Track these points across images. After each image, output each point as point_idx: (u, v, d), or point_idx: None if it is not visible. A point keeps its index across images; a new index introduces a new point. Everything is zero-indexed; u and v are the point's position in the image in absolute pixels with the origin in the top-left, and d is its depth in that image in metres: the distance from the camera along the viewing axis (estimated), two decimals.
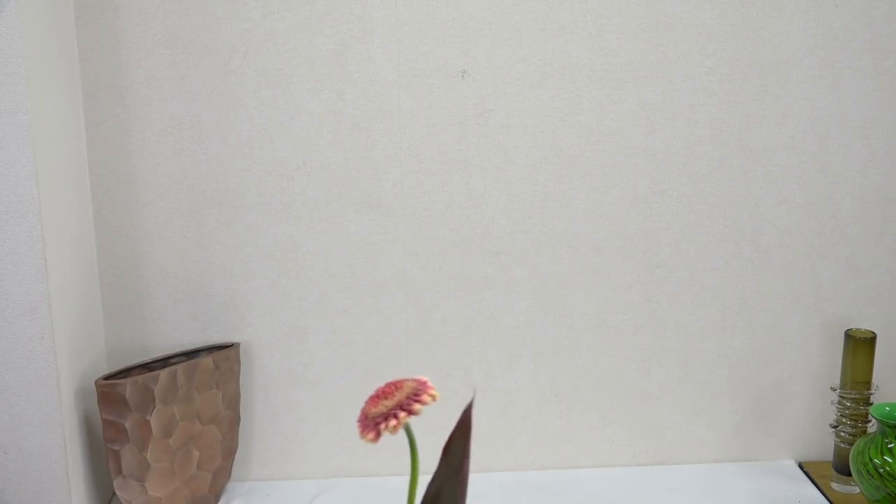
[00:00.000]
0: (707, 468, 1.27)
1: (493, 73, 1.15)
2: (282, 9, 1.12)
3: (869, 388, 1.18)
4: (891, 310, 1.24)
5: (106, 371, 1.19)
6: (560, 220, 1.20)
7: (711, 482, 1.23)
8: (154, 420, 1.07)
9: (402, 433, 0.67)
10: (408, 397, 0.65)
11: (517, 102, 1.16)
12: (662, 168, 1.19)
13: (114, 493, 1.19)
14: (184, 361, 1.14)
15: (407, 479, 1.32)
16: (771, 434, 1.28)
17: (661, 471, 1.27)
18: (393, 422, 0.63)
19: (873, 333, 1.18)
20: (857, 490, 1.18)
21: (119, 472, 1.06)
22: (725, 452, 1.28)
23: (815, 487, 1.21)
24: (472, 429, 0.69)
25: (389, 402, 0.65)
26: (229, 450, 1.19)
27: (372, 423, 0.64)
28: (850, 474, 1.15)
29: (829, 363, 1.25)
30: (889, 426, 1.07)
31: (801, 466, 1.27)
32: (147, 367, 1.12)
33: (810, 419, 1.27)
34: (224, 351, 1.16)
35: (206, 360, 1.13)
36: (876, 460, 1.07)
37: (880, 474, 1.06)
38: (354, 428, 1.25)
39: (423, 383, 0.65)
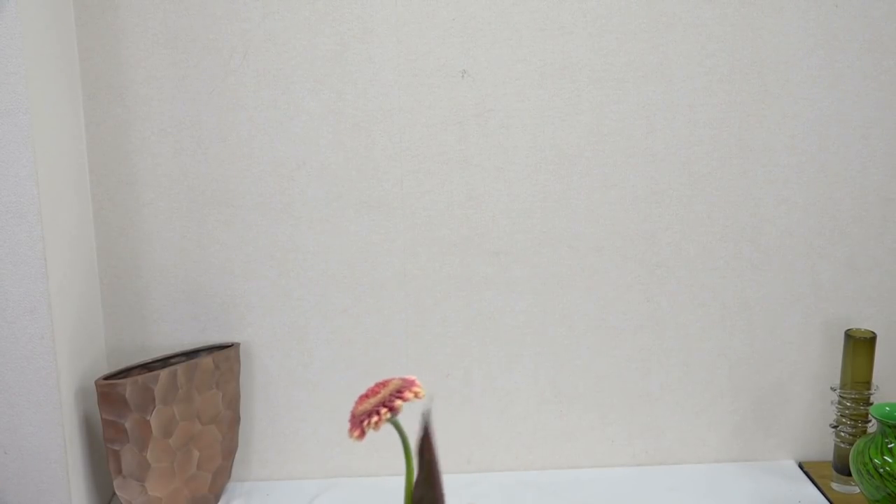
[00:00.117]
0: (707, 468, 1.27)
1: (493, 73, 1.15)
2: (282, 9, 1.12)
3: (869, 388, 1.18)
4: (891, 310, 1.24)
5: (106, 371, 1.19)
6: (560, 220, 1.20)
7: (711, 482, 1.23)
8: (154, 420, 1.07)
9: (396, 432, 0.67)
10: (391, 395, 0.65)
11: (517, 102, 1.16)
12: (662, 168, 1.19)
13: (114, 493, 1.19)
14: (184, 361, 1.14)
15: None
16: (771, 434, 1.28)
17: (661, 471, 1.27)
18: (374, 418, 0.63)
19: (873, 333, 1.18)
20: (857, 490, 1.18)
21: (119, 472, 1.06)
22: (725, 452, 1.28)
23: (815, 487, 1.21)
24: (432, 438, 0.69)
25: (374, 400, 0.66)
26: (229, 450, 1.19)
27: (357, 421, 0.65)
28: (850, 474, 1.15)
29: (829, 363, 1.25)
30: (889, 426, 1.07)
31: (801, 466, 1.27)
32: (147, 367, 1.12)
33: (810, 419, 1.27)
34: (224, 351, 1.16)
35: (206, 360, 1.13)
36: (876, 460, 1.07)
37: (880, 474, 1.06)
38: None
39: (410, 381, 0.66)
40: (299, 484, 1.24)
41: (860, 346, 1.17)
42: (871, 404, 1.16)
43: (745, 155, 1.19)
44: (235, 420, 1.19)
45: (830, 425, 1.22)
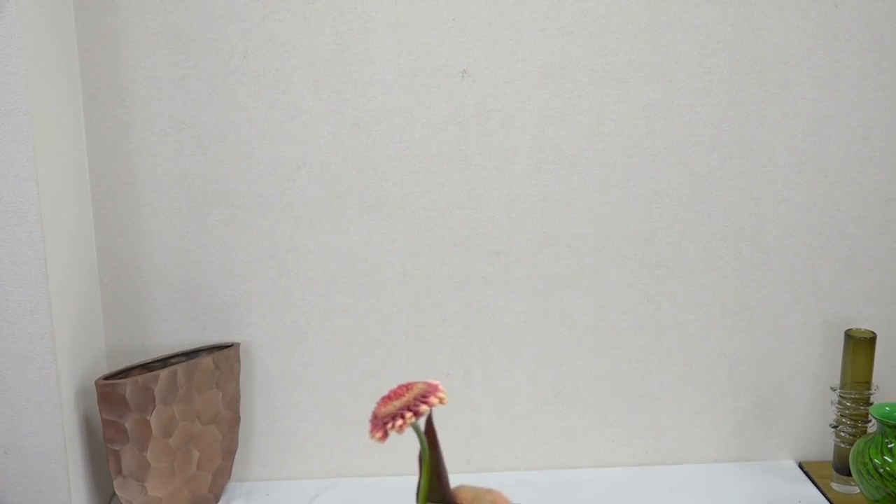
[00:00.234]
0: (707, 468, 1.27)
1: (493, 73, 1.15)
2: (282, 9, 1.12)
3: (869, 388, 1.18)
4: (891, 310, 1.24)
5: (106, 371, 1.19)
6: (560, 220, 1.20)
7: (711, 482, 1.23)
8: (154, 420, 1.07)
9: (411, 433, 0.68)
10: (416, 399, 0.65)
11: (517, 102, 1.16)
12: (662, 168, 1.19)
13: (114, 493, 1.19)
14: (184, 361, 1.14)
15: (406, 479, 1.33)
16: (771, 434, 1.28)
17: (661, 471, 1.27)
18: (399, 421, 0.64)
19: (873, 333, 1.18)
20: (857, 490, 1.18)
21: (119, 472, 1.06)
22: (725, 452, 1.28)
23: (815, 487, 1.21)
24: (436, 437, 0.70)
25: (398, 403, 0.66)
26: (229, 450, 1.19)
27: (380, 423, 0.65)
28: (850, 474, 1.15)
29: (829, 363, 1.25)
30: (889, 426, 1.07)
31: (801, 466, 1.27)
32: (147, 367, 1.12)
33: (810, 419, 1.27)
34: (224, 351, 1.16)
35: (206, 360, 1.13)
36: (876, 460, 1.07)
37: (880, 474, 1.06)
38: (354, 428, 1.25)
39: (434, 386, 0.67)
40: (299, 484, 1.24)
41: (860, 346, 1.17)
42: (871, 404, 1.16)
43: (745, 155, 1.19)
44: (235, 420, 1.19)
45: (830, 425, 1.22)
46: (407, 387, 0.68)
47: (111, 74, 1.13)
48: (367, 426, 1.24)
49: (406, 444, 1.26)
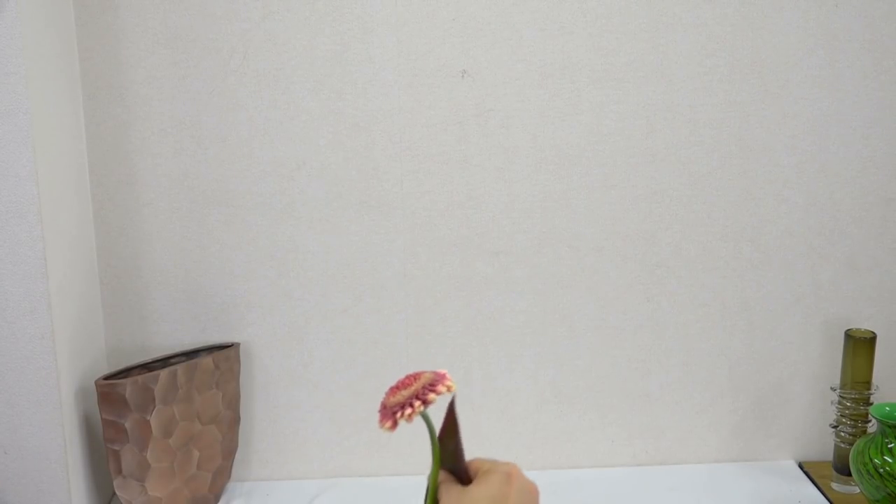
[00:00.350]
0: (707, 468, 1.27)
1: (493, 73, 1.15)
2: (282, 9, 1.12)
3: (869, 388, 1.18)
4: (891, 310, 1.24)
5: (106, 371, 1.19)
6: (560, 220, 1.20)
7: (711, 482, 1.23)
8: (154, 420, 1.07)
9: (420, 424, 0.68)
10: (424, 387, 0.66)
11: (517, 102, 1.16)
12: (662, 168, 1.19)
13: (114, 493, 1.19)
14: (184, 361, 1.14)
15: (406, 479, 1.33)
16: (771, 434, 1.28)
17: (661, 471, 1.27)
18: (408, 410, 0.64)
19: (873, 333, 1.18)
20: (857, 490, 1.18)
21: (119, 472, 1.06)
22: (725, 452, 1.28)
23: (815, 487, 1.21)
24: (458, 425, 0.71)
25: (406, 393, 0.66)
26: (229, 450, 1.19)
27: (389, 413, 0.65)
28: (850, 474, 1.15)
29: (829, 363, 1.25)
30: (889, 426, 1.07)
31: (801, 466, 1.27)
32: (147, 367, 1.12)
33: (810, 419, 1.27)
34: (224, 351, 1.16)
35: (206, 360, 1.13)
36: (876, 460, 1.07)
37: (880, 474, 1.06)
38: (354, 428, 1.25)
39: (442, 375, 0.67)
40: (299, 484, 1.24)
41: (860, 346, 1.17)
42: (871, 404, 1.16)
43: (745, 155, 1.19)
44: (235, 420, 1.19)
45: (830, 425, 1.22)
46: (415, 376, 0.68)
47: (111, 74, 1.13)
48: (368, 426, 1.24)
49: (406, 444, 1.26)
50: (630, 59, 1.15)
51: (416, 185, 1.18)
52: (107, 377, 1.07)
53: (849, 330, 1.19)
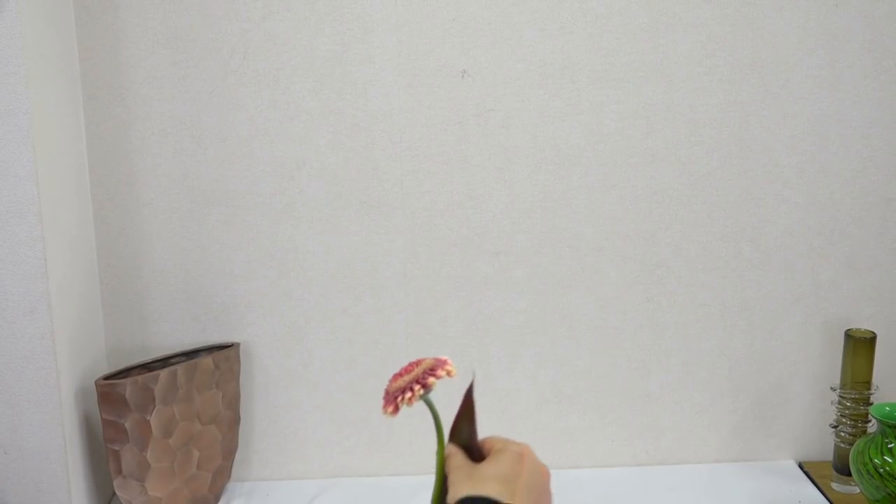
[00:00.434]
0: (707, 468, 1.27)
1: (493, 73, 1.15)
2: (282, 9, 1.12)
3: (869, 388, 1.18)
4: (891, 310, 1.24)
5: (106, 371, 1.19)
6: (560, 220, 1.20)
7: (711, 482, 1.23)
8: (154, 420, 1.07)
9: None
10: (424, 372, 0.67)
11: (517, 102, 1.16)
12: (662, 168, 1.19)
13: (114, 493, 1.19)
14: (184, 361, 1.14)
15: (407, 479, 1.33)
16: (771, 434, 1.28)
17: (661, 471, 1.27)
18: (408, 394, 0.66)
19: (873, 333, 1.18)
20: (857, 490, 1.18)
21: (119, 472, 1.06)
22: (725, 452, 1.28)
23: (815, 487, 1.21)
24: (475, 409, 0.72)
25: (407, 378, 0.68)
26: (229, 450, 1.19)
27: (391, 398, 0.67)
28: (850, 474, 1.15)
29: (829, 363, 1.25)
30: (889, 426, 1.07)
31: (801, 466, 1.27)
32: (147, 367, 1.12)
33: (810, 419, 1.27)
34: (224, 351, 1.16)
35: (206, 360, 1.13)
36: (876, 460, 1.07)
37: (880, 474, 1.06)
38: (354, 428, 1.25)
39: (442, 361, 0.68)
40: (299, 484, 1.24)
41: (860, 346, 1.17)
42: (871, 404, 1.16)
43: (745, 155, 1.19)
44: (235, 420, 1.19)
45: (830, 425, 1.22)
46: (416, 363, 0.69)
47: (111, 74, 1.13)
48: (368, 426, 1.25)
49: (406, 444, 1.26)
50: (630, 59, 1.15)
51: (416, 185, 1.18)
52: (107, 377, 1.07)
53: (849, 330, 1.19)
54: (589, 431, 1.27)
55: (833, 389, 1.21)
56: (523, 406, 1.25)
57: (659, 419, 1.27)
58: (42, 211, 0.99)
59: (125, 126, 1.15)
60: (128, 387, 1.04)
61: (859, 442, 1.11)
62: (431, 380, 0.66)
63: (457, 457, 0.71)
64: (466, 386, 0.71)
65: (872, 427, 1.15)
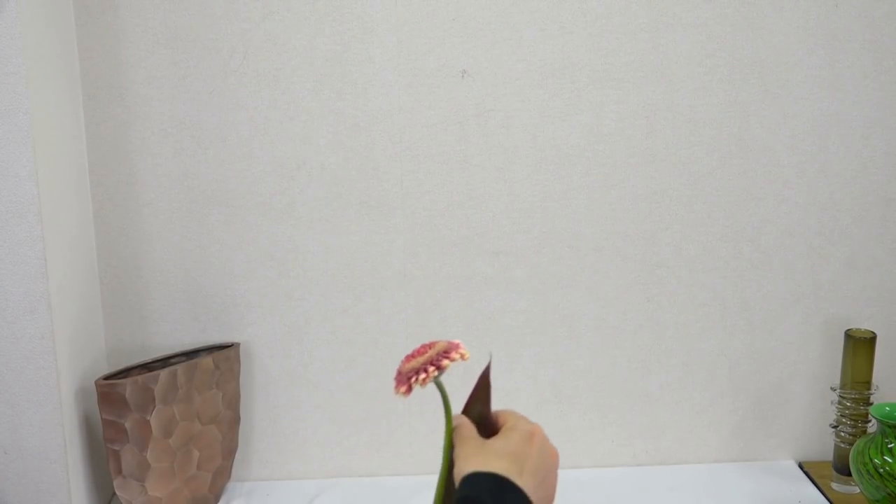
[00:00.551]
0: (707, 468, 1.27)
1: (493, 73, 1.15)
2: (282, 9, 1.12)
3: (869, 388, 1.18)
4: (891, 310, 1.24)
5: (106, 371, 1.19)
6: (560, 220, 1.20)
7: (711, 482, 1.23)
8: (154, 420, 1.07)
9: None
10: (438, 354, 0.68)
11: (517, 102, 1.16)
12: (662, 168, 1.19)
13: (114, 493, 1.19)
14: (184, 361, 1.14)
15: (406, 479, 1.33)
16: (771, 434, 1.28)
17: (661, 471, 1.27)
18: (423, 375, 0.66)
19: (873, 333, 1.18)
20: (857, 490, 1.18)
21: (119, 472, 1.06)
22: (725, 452, 1.28)
23: (815, 487, 1.21)
24: (490, 392, 0.73)
25: (421, 359, 0.68)
26: (229, 450, 1.19)
27: (404, 378, 0.67)
28: (850, 474, 1.15)
29: (829, 363, 1.25)
30: (889, 426, 1.07)
31: (801, 466, 1.27)
32: (147, 367, 1.12)
33: (810, 419, 1.27)
34: (224, 351, 1.16)
35: (206, 360, 1.13)
36: (876, 460, 1.07)
37: (880, 474, 1.06)
38: (354, 428, 1.25)
39: (455, 344, 0.69)
40: (299, 484, 1.24)
41: (860, 346, 1.17)
42: (871, 404, 1.16)
43: (745, 155, 1.19)
44: (235, 420, 1.19)
45: (830, 425, 1.22)
46: (429, 345, 0.70)
47: (111, 74, 1.13)
48: (368, 426, 1.24)
49: (406, 444, 1.26)
50: (630, 59, 1.15)
51: (416, 185, 1.18)
52: (107, 377, 1.07)
53: (849, 330, 1.19)
54: (589, 431, 1.27)
55: (833, 389, 1.21)
56: (523, 406, 1.24)
57: (659, 419, 1.27)
58: (42, 211, 0.99)
59: (125, 126, 1.15)
60: (128, 387, 1.04)
61: (859, 442, 1.11)
62: (446, 362, 0.67)
63: (467, 428, 0.71)
64: (483, 368, 0.72)
65: (872, 427, 1.15)
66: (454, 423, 0.71)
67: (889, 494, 1.06)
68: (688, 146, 1.18)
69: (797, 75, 1.17)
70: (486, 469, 0.66)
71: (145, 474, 1.07)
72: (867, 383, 1.18)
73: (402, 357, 0.72)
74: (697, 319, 1.24)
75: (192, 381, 1.12)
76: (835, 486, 1.21)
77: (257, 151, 1.16)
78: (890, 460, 1.06)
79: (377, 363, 1.23)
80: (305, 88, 1.14)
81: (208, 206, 1.17)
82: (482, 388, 0.73)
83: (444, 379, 0.70)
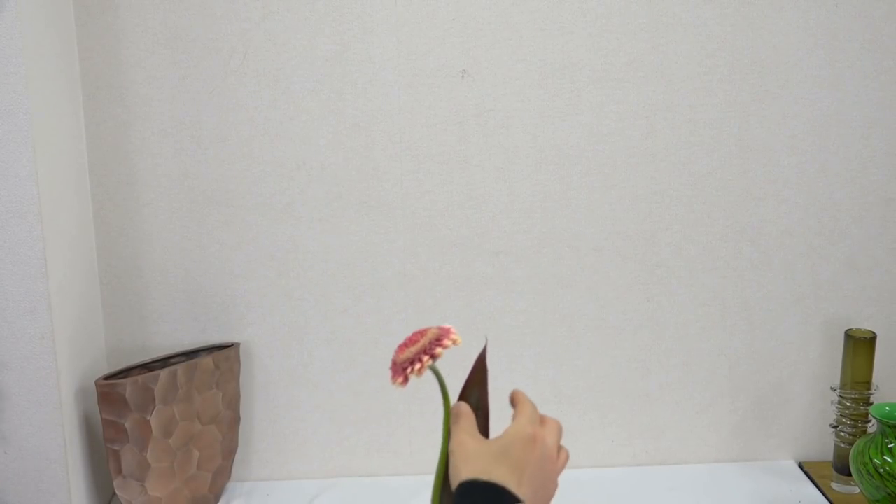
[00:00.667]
0: (707, 468, 1.27)
1: (493, 73, 1.15)
2: (282, 9, 1.12)
3: (869, 388, 1.18)
4: (891, 310, 1.24)
5: (106, 371, 1.19)
6: (560, 220, 1.20)
7: (711, 482, 1.23)
8: (154, 420, 1.07)
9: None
10: (431, 343, 0.69)
11: (517, 102, 1.16)
12: (662, 168, 1.19)
13: (114, 493, 1.19)
14: (184, 361, 1.14)
15: (406, 479, 1.33)
16: (771, 434, 1.28)
17: (661, 471, 1.27)
18: (417, 365, 0.67)
19: (873, 333, 1.18)
20: (857, 490, 1.18)
21: (119, 472, 1.06)
22: (725, 452, 1.28)
23: (815, 487, 1.21)
24: (486, 375, 0.74)
25: (414, 349, 0.69)
26: (229, 450, 1.19)
27: (400, 369, 0.68)
28: (850, 474, 1.15)
29: (829, 363, 1.25)
30: (889, 426, 1.07)
31: (801, 466, 1.27)
32: (147, 367, 1.12)
33: (810, 419, 1.27)
34: (224, 351, 1.16)
35: (206, 360, 1.13)
36: (876, 460, 1.07)
37: (880, 474, 1.06)
38: (354, 428, 1.25)
39: (447, 330, 0.69)
40: (299, 484, 1.24)
41: (860, 346, 1.17)
42: (871, 404, 1.16)
43: (745, 155, 1.19)
44: (235, 420, 1.19)
45: (830, 425, 1.22)
46: (421, 333, 0.70)
47: (111, 74, 1.13)
48: (368, 426, 1.24)
49: (406, 444, 1.26)
50: (630, 59, 1.15)
51: (416, 185, 1.18)
52: (107, 377, 1.07)
53: (849, 330, 1.19)
54: (589, 431, 1.27)
55: (833, 389, 1.21)
56: None
57: (659, 419, 1.27)
58: (42, 211, 0.99)
59: (125, 126, 1.15)
60: (128, 387, 1.04)
61: (859, 442, 1.11)
62: (439, 350, 0.68)
63: (466, 419, 0.71)
64: (479, 352, 0.73)
65: (872, 427, 1.15)
66: (453, 411, 0.71)
67: (889, 494, 1.06)
68: (688, 146, 1.18)
69: (797, 75, 1.17)
70: (484, 477, 0.65)
71: (145, 474, 1.07)
72: (867, 383, 1.18)
73: (390, 374, 0.72)
74: (697, 319, 1.24)
75: (192, 381, 1.12)
76: (835, 486, 1.21)
77: (257, 151, 1.16)
78: (890, 460, 1.06)
79: (377, 363, 1.23)
80: (305, 88, 1.14)
81: (208, 206, 1.17)
82: (478, 371, 0.74)
83: (438, 365, 0.70)
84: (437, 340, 0.69)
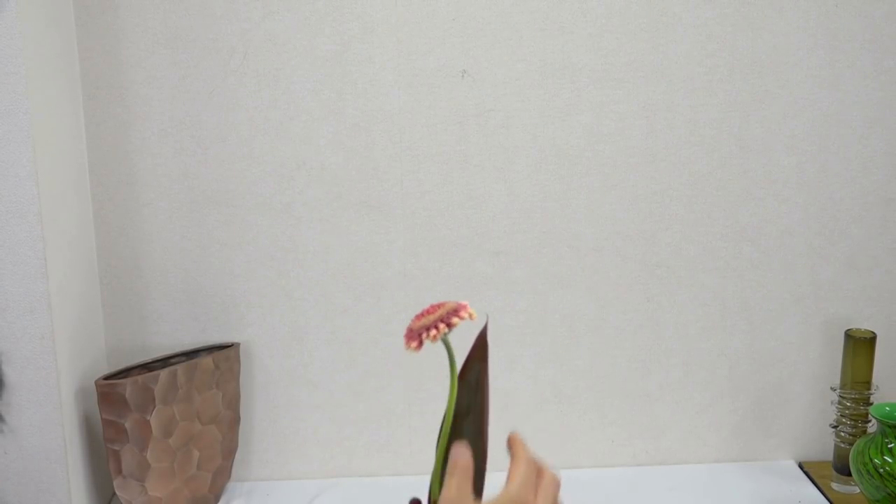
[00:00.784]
0: (707, 468, 1.27)
1: (493, 73, 1.15)
2: (282, 9, 1.12)
3: (869, 388, 1.18)
4: (891, 310, 1.24)
5: (106, 371, 1.19)
6: (560, 220, 1.20)
7: (711, 482, 1.23)
8: (154, 420, 1.07)
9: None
10: (448, 313, 0.72)
11: (517, 102, 1.16)
12: (662, 168, 1.19)
13: (114, 493, 1.19)
14: (184, 361, 1.14)
15: (406, 479, 1.33)
16: (771, 434, 1.28)
17: (661, 471, 1.27)
18: (433, 332, 0.70)
19: (873, 333, 1.18)
20: (857, 490, 1.18)
21: (119, 472, 1.06)
22: (725, 452, 1.28)
23: (815, 487, 1.21)
24: (487, 350, 0.77)
25: (432, 318, 0.72)
26: (229, 450, 1.19)
27: (415, 334, 0.71)
28: (850, 474, 1.15)
29: (829, 363, 1.25)
30: (889, 426, 1.07)
31: (801, 466, 1.27)
32: (147, 367, 1.12)
33: (810, 419, 1.27)
34: (224, 351, 1.16)
35: (206, 360, 1.13)
36: (876, 460, 1.07)
37: (880, 474, 1.06)
38: (354, 428, 1.25)
39: (463, 305, 0.73)
40: (299, 484, 1.24)
41: (860, 346, 1.17)
42: (871, 404, 1.16)
43: (745, 155, 1.19)
44: (235, 420, 1.19)
45: (830, 425, 1.22)
46: (438, 305, 0.73)
47: (111, 74, 1.13)
48: (368, 426, 1.24)
49: (406, 444, 1.26)
50: (630, 59, 1.15)
51: (416, 185, 1.18)
52: (107, 377, 1.07)
53: (849, 330, 1.19)
54: (589, 431, 1.27)
55: (833, 389, 1.21)
56: (523, 406, 1.25)
57: (659, 419, 1.27)
58: (42, 211, 0.99)
59: (125, 126, 1.15)
60: (128, 387, 1.04)
61: (859, 442, 1.11)
62: (455, 319, 0.71)
63: (464, 475, 0.72)
64: (480, 328, 0.76)
65: (872, 427, 1.15)
66: (452, 457, 0.74)
67: (889, 494, 1.06)
68: (688, 146, 1.18)
69: (797, 75, 1.17)
70: None
71: (145, 474, 1.07)
72: (867, 383, 1.18)
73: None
74: (697, 319, 1.24)
75: (192, 381, 1.12)
76: (835, 486, 1.21)
77: (257, 151, 1.16)
78: (890, 460, 1.06)
79: (377, 363, 1.23)
80: (305, 88, 1.14)
81: (208, 206, 1.17)
82: (480, 347, 0.78)
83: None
84: (455, 311, 0.72)
